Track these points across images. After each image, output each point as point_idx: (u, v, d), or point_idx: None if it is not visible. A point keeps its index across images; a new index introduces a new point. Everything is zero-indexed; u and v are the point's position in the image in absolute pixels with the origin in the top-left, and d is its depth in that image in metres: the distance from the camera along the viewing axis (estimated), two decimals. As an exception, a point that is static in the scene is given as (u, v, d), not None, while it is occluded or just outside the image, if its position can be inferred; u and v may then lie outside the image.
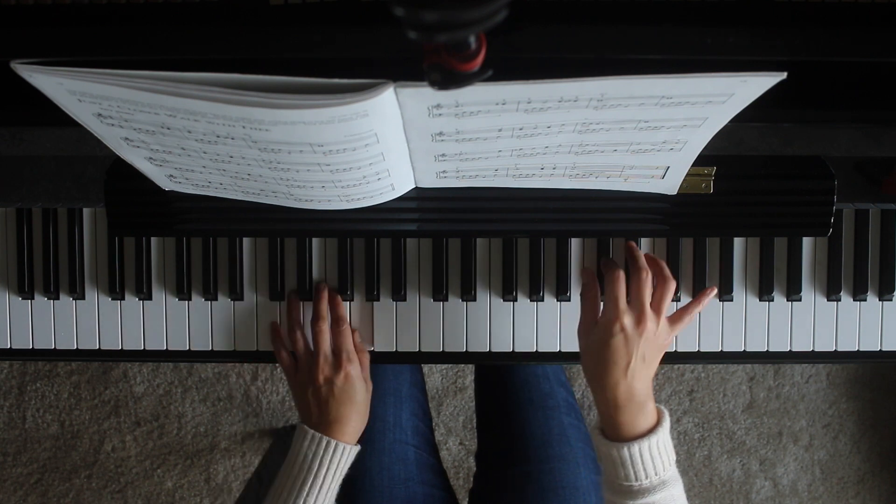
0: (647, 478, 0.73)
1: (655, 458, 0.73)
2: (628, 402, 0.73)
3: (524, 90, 0.52)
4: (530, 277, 0.87)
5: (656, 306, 0.76)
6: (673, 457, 0.75)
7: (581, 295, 0.82)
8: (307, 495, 0.78)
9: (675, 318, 0.80)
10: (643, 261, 0.78)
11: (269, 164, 0.63)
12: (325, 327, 0.84)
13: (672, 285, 0.78)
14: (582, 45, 0.58)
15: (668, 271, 0.79)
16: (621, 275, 0.77)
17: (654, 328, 0.75)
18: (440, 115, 0.56)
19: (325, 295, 0.85)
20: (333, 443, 0.79)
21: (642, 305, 0.75)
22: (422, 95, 0.53)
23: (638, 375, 0.74)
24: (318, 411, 0.81)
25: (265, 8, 0.60)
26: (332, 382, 0.81)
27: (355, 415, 0.82)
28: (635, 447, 0.72)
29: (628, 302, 0.76)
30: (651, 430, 0.74)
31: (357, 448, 0.82)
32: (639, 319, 0.74)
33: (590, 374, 0.77)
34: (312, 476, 0.78)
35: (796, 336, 0.87)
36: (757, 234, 0.85)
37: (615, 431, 0.74)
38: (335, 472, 0.79)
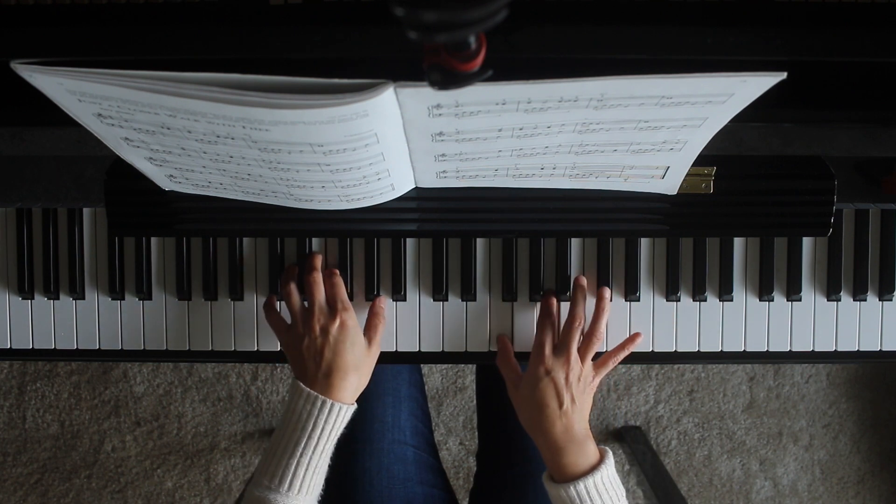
0: None
1: (603, 494, 0.76)
2: (568, 443, 0.77)
3: (524, 90, 0.52)
4: (530, 277, 0.87)
5: (583, 352, 0.82)
6: (622, 492, 0.78)
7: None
8: (301, 456, 0.75)
9: (600, 363, 0.84)
10: (578, 309, 0.83)
11: (269, 164, 0.63)
12: (319, 277, 0.83)
13: (598, 341, 0.83)
14: (582, 45, 0.58)
15: (602, 325, 0.84)
16: (548, 323, 0.83)
17: (578, 371, 0.80)
18: (440, 115, 0.56)
19: (318, 254, 0.86)
20: (329, 402, 0.76)
21: (568, 351, 0.80)
22: (422, 95, 0.53)
23: (572, 416, 0.78)
24: (315, 364, 0.79)
25: (265, 8, 0.60)
26: (328, 331, 0.79)
27: (353, 369, 0.79)
28: (580, 485, 0.76)
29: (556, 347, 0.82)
30: (594, 468, 0.77)
31: (354, 407, 0.79)
32: (564, 363, 0.80)
33: (528, 423, 0.81)
34: (307, 436, 0.76)
35: (796, 336, 0.87)
36: (757, 234, 0.85)
37: (561, 473, 0.77)
38: (331, 433, 0.77)
